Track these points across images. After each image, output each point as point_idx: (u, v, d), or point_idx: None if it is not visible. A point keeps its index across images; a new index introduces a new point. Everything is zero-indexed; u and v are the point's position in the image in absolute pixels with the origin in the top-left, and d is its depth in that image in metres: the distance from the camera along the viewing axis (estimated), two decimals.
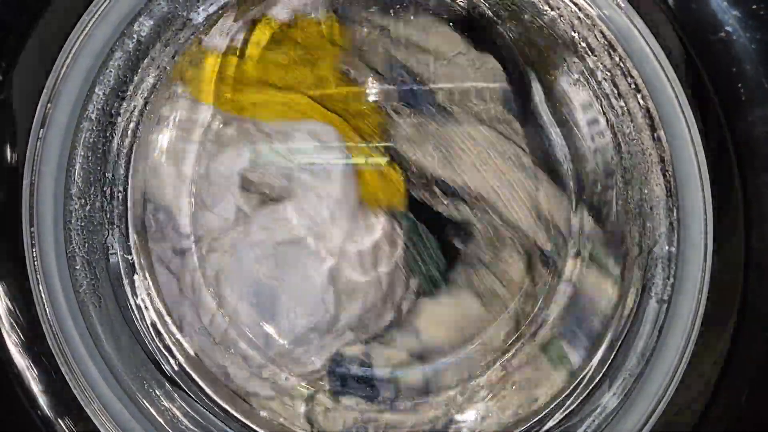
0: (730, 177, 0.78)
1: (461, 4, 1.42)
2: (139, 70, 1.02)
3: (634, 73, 0.86)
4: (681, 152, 0.83)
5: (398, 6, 1.32)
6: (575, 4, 0.89)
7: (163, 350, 1.13)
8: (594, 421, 0.98)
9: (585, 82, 1.02)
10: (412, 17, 1.33)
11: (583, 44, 0.93)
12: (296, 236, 1.20)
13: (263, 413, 1.18)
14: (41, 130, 0.93)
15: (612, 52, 0.89)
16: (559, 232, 1.29)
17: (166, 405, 1.07)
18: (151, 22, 0.98)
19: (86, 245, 1.02)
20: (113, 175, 1.07)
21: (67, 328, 0.97)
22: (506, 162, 1.30)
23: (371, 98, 1.31)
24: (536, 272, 1.25)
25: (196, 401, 1.11)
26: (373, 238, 1.21)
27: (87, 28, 0.91)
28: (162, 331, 1.14)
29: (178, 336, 1.17)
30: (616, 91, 0.93)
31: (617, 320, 1.02)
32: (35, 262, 0.95)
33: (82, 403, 0.98)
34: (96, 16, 0.91)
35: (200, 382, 1.13)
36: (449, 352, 1.20)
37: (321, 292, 1.20)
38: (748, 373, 0.81)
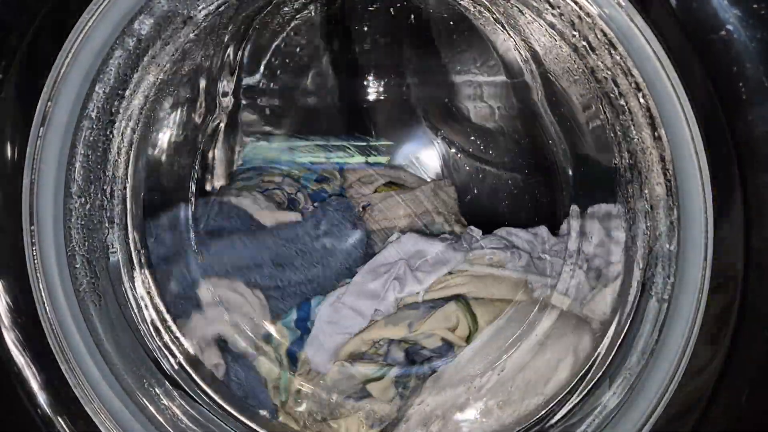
0: (731, 176, 0.78)
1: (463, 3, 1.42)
2: (140, 69, 1.02)
3: (635, 71, 0.86)
4: (681, 151, 0.83)
5: None
6: (576, 3, 0.89)
7: (163, 349, 1.13)
8: (594, 420, 0.98)
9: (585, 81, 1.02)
10: None
11: (584, 43, 0.93)
12: None
13: (263, 412, 1.18)
14: (41, 128, 0.92)
15: (612, 51, 0.89)
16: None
17: (166, 403, 1.07)
18: (152, 21, 0.98)
19: (86, 244, 1.02)
20: (113, 174, 1.07)
21: (66, 327, 0.97)
22: None
23: None
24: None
25: (195, 400, 1.11)
26: None
27: (87, 27, 0.91)
28: (162, 329, 1.14)
29: (178, 334, 1.17)
30: (616, 90, 0.92)
31: (618, 319, 1.02)
32: (35, 261, 0.95)
33: (81, 402, 0.98)
34: (96, 14, 0.91)
35: (200, 381, 1.13)
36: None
37: None
38: (748, 373, 0.81)
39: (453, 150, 1.69)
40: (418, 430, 1.13)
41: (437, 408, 1.13)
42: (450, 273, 1.23)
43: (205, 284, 1.23)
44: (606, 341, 1.03)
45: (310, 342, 1.20)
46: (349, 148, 1.73)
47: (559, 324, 1.15)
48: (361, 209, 1.43)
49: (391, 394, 1.16)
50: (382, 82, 1.68)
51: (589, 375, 1.03)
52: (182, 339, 1.18)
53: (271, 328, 1.24)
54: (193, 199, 1.30)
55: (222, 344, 1.23)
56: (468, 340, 1.19)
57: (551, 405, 1.06)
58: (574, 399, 1.03)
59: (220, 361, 1.19)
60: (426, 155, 1.70)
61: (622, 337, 1.00)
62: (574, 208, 1.24)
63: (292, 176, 1.51)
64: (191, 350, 1.18)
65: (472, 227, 1.35)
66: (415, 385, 1.17)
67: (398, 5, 1.59)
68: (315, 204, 1.43)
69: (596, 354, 1.04)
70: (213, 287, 1.23)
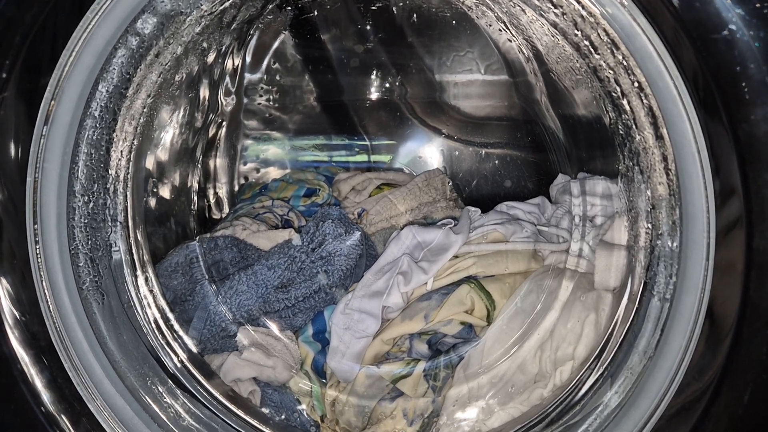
0: (733, 176, 0.78)
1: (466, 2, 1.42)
2: (142, 67, 1.02)
3: (637, 71, 0.86)
4: (684, 151, 0.83)
5: None
6: (578, 2, 0.89)
7: (166, 347, 1.13)
8: (596, 419, 0.98)
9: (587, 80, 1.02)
10: None
11: (586, 42, 0.93)
12: None
13: (265, 410, 1.18)
14: (45, 127, 0.93)
15: (615, 51, 0.89)
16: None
17: (169, 401, 1.07)
18: (155, 20, 0.98)
19: (89, 242, 1.02)
20: (116, 172, 1.07)
21: (70, 325, 0.97)
22: None
23: None
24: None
25: (198, 398, 1.12)
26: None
27: (90, 26, 0.91)
28: (164, 327, 1.14)
29: (181, 333, 1.17)
30: (618, 90, 0.92)
31: (619, 318, 1.02)
32: (39, 259, 0.95)
33: (85, 400, 0.98)
34: (99, 13, 0.91)
35: (202, 379, 1.14)
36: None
37: None
38: (750, 372, 0.81)
39: (454, 147, 1.69)
40: (458, 415, 1.13)
41: (473, 392, 1.14)
42: (456, 257, 1.22)
43: (242, 331, 1.23)
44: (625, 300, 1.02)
45: (332, 353, 1.20)
46: (351, 147, 1.73)
47: (577, 286, 1.14)
48: (356, 216, 1.42)
49: (422, 388, 1.16)
50: (385, 82, 1.68)
51: (613, 337, 1.02)
52: (185, 337, 1.18)
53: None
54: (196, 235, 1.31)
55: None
56: (488, 318, 1.18)
57: (581, 372, 1.05)
58: (601, 365, 1.02)
59: (255, 388, 1.19)
60: (428, 153, 1.71)
61: (623, 336, 0.99)
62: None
63: (282, 198, 1.51)
64: (194, 348, 1.19)
65: (469, 207, 1.33)
66: (446, 375, 1.16)
67: (400, 4, 1.59)
68: (308, 219, 1.43)
69: (617, 312, 1.02)
70: (250, 331, 1.24)
